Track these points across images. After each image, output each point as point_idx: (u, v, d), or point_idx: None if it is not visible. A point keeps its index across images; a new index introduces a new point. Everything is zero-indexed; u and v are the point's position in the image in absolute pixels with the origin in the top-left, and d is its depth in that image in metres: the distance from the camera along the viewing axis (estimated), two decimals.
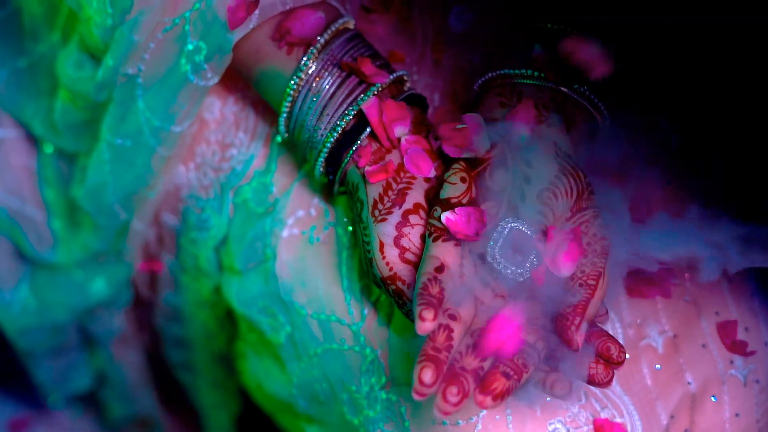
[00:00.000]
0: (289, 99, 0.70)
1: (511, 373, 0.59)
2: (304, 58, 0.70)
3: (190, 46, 0.69)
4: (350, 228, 0.74)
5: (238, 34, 0.69)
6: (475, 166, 0.66)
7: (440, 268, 0.62)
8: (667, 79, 0.72)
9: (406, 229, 0.66)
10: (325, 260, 0.75)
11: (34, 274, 0.93)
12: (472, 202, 0.65)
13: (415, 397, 0.57)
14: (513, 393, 0.59)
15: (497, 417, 0.67)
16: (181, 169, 0.81)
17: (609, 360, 0.62)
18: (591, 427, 0.68)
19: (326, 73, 0.70)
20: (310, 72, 0.70)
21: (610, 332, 0.70)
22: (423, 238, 0.66)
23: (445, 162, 0.68)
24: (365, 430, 0.74)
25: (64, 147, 0.85)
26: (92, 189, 0.80)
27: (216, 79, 0.72)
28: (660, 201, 0.73)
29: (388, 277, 0.66)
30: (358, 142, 0.69)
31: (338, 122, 0.69)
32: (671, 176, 0.73)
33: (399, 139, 0.69)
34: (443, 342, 0.59)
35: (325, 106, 0.70)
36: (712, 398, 0.71)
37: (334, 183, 0.72)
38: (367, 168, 0.68)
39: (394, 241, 0.66)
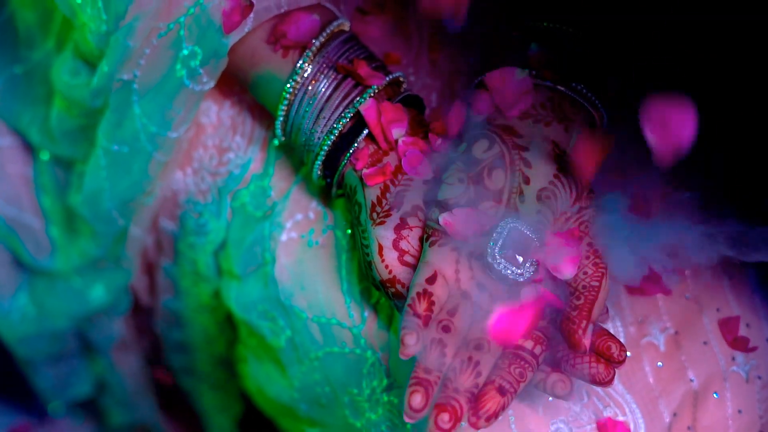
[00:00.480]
0: (286, 102, 0.70)
1: (507, 386, 0.59)
2: (300, 62, 0.69)
3: (185, 51, 0.69)
4: (349, 231, 0.74)
5: (233, 39, 0.69)
6: (473, 166, 0.66)
7: (432, 278, 0.62)
8: (665, 78, 0.72)
9: (404, 232, 0.66)
10: (325, 263, 0.75)
11: (32, 281, 0.93)
12: (470, 203, 0.65)
13: (406, 420, 0.57)
14: (508, 407, 0.60)
15: (500, 417, 0.67)
16: (179, 175, 0.81)
17: (610, 359, 0.62)
18: (594, 426, 0.68)
19: (322, 76, 0.70)
20: (305, 75, 0.70)
21: (611, 331, 0.70)
22: (422, 240, 0.66)
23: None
24: None
25: (60, 154, 0.85)
26: (89, 196, 0.79)
27: (212, 84, 0.71)
28: (659, 200, 0.73)
29: (388, 280, 0.66)
30: (355, 144, 0.69)
31: (335, 125, 0.69)
32: (670, 175, 0.73)
33: (396, 141, 0.69)
34: (434, 361, 0.59)
35: (321, 109, 0.70)
36: (715, 395, 0.71)
37: (332, 186, 0.71)
38: (365, 171, 0.68)
39: (392, 244, 0.65)
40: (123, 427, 1.07)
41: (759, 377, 0.72)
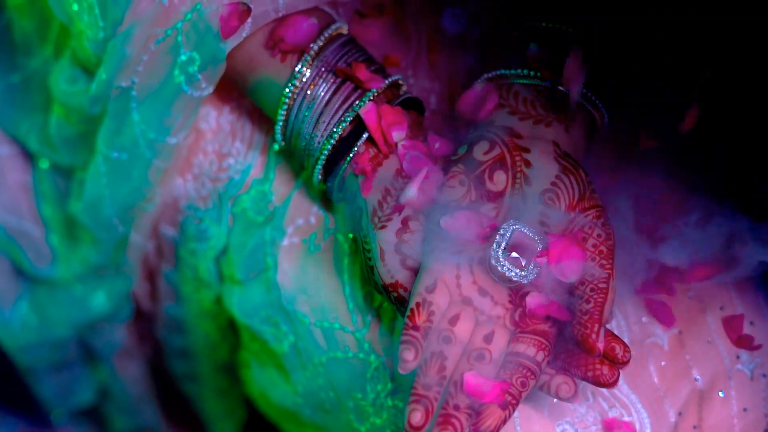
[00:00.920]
0: (285, 107, 0.70)
1: (508, 398, 0.59)
2: (298, 66, 0.69)
3: (183, 57, 0.69)
4: (351, 235, 0.74)
5: (231, 44, 0.68)
6: (474, 168, 0.66)
7: (432, 286, 0.62)
8: (665, 76, 0.72)
9: (406, 236, 0.65)
10: (327, 268, 0.74)
11: (33, 290, 0.93)
12: (472, 206, 0.65)
13: None
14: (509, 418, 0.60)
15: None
16: (179, 181, 0.81)
17: (614, 360, 0.62)
18: (599, 426, 0.68)
19: (321, 80, 0.69)
20: (304, 79, 0.69)
21: (615, 331, 0.70)
22: (423, 244, 0.65)
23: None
24: None
25: (59, 162, 0.85)
26: (90, 203, 0.79)
27: (210, 90, 0.71)
28: (661, 198, 0.73)
29: (390, 284, 0.65)
30: (356, 148, 0.68)
31: (335, 129, 0.69)
32: (672, 172, 0.73)
33: (396, 144, 0.68)
34: (435, 376, 0.60)
35: (321, 114, 0.69)
36: (720, 394, 0.71)
37: (332, 190, 0.71)
38: (361, 178, 0.68)
39: (394, 248, 0.65)
40: None
41: (764, 375, 0.72)
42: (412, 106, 0.71)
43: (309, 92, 0.69)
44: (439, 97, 0.77)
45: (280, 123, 0.71)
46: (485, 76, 0.70)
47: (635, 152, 0.73)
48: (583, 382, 0.62)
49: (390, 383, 0.71)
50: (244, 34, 0.68)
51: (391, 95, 0.70)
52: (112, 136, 0.74)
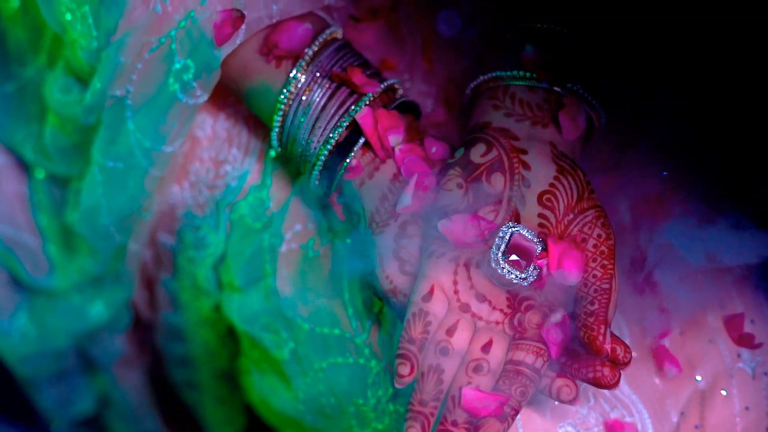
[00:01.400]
0: (280, 113, 0.70)
1: (507, 410, 0.59)
2: (293, 71, 0.69)
3: (177, 65, 0.69)
4: (349, 240, 0.73)
5: (225, 51, 0.68)
6: (471, 171, 0.66)
7: (429, 294, 0.62)
8: (662, 77, 0.72)
9: (404, 241, 0.65)
10: (326, 273, 0.74)
11: (31, 300, 0.92)
12: (470, 209, 0.64)
13: None
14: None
15: None
16: (176, 189, 0.81)
17: (615, 361, 0.62)
18: (602, 428, 0.68)
19: (316, 85, 0.69)
20: (299, 85, 0.69)
21: (616, 332, 0.70)
22: (421, 249, 0.65)
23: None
24: None
25: (55, 171, 0.84)
26: (86, 213, 0.79)
27: (205, 97, 0.71)
28: (659, 197, 0.73)
29: (389, 290, 0.65)
30: (352, 153, 0.68)
31: (331, 134, 0.68)
32: (670, 172, 0.73)
33: (393, 149, 0.68)
34: (432, 390, 0.60)
35: (316, 119, 0.69)
36: (722, 393, 0.71)
37: (330, 195, 0.71)
38: (356, 180, 0.68)
39: (392, 254, 0.65)
40: None
41: (765, 373, 0.72)
42: (409, 109, 0.71)
43: (304, 98, 0.69)
44: (436, 100, 0.77)
45: (276, 129, 0.71)
46: (481, 78, 0.70)
47: (633, 152, 0.73)
48: (585, 383, 0.62)
49: (391, 388, 0.71)
50: (238, 41, 0.68)
51: (387, 99, 0.70)
52: (107, 145, 0.74)
